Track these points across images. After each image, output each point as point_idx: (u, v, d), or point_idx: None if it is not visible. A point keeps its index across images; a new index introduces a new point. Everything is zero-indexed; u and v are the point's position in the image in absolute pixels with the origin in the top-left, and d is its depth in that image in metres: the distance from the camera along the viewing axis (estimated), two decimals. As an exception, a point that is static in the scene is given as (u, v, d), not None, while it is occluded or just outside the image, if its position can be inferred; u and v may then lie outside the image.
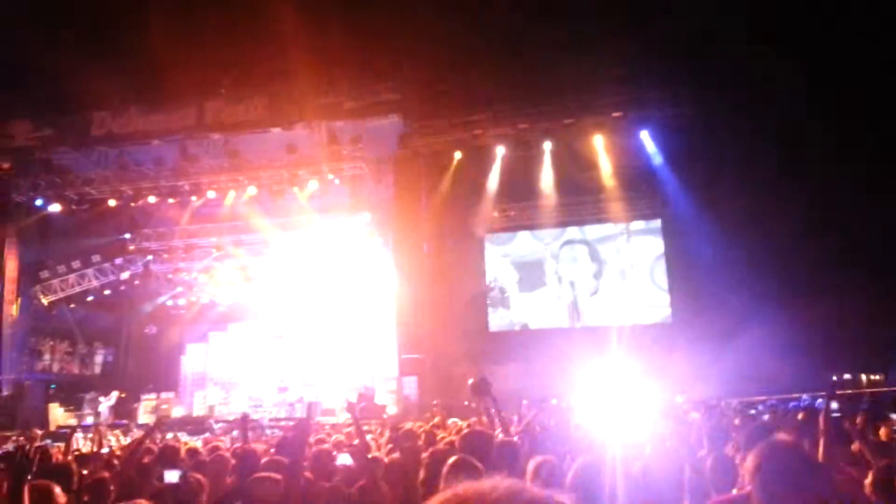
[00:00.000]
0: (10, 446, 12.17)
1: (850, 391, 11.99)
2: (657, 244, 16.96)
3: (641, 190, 15.69)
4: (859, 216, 13.08)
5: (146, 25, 15.08)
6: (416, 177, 16.28)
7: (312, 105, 15.89)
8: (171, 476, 4.29)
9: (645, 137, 15.34)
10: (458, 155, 16.20)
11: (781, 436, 3.19)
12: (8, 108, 16.49)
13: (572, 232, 17.63)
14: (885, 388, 12.18)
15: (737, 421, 7.36)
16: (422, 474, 3.83)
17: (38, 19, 14.47)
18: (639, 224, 17.16)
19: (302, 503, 3.99)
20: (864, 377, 13.55)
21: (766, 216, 13.72)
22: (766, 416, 9.52)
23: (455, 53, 14.50)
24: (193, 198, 18.12)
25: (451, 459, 3.53)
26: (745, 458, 3.16)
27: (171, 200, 18.22)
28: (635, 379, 13.79)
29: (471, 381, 7.77)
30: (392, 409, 15.57)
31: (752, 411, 10.16)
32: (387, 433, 8.07)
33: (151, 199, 17.93)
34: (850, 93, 12.64)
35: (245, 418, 5.95)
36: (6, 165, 17.33)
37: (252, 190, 17.48)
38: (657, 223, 16.89)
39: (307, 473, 4.79)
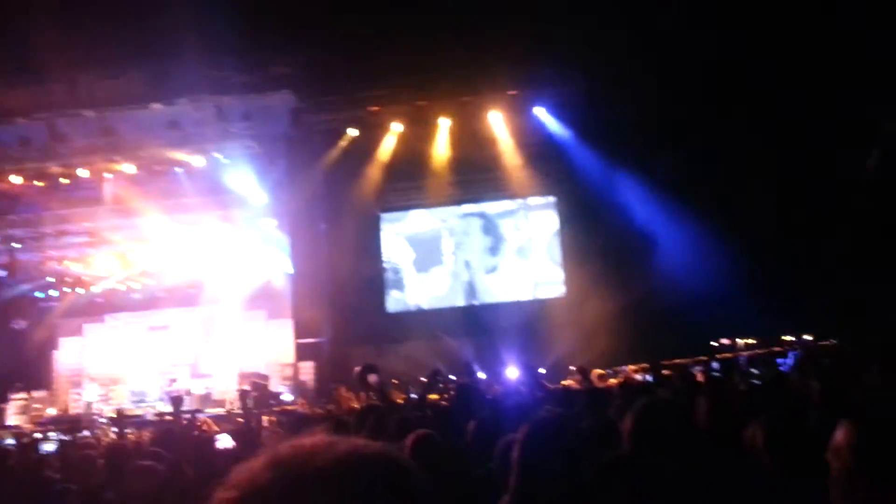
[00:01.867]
0: None
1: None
2: (554, 220, 17.33)
3: (538, 167, 15.92)
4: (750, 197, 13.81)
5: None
6: (310, 155, 15.79)
7: (197, 80, 15.02)
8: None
9: (541, 114, 15.56)
10: (352, 132, 15.85)
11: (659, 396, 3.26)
12: None
13: (468, 207, 17.73)
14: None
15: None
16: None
17: None
18: (536, 200, 17.46)
19: (181, 494, 3.71)
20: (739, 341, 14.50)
21: (669, 190, 14.23)
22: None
23: (349, 28, 14.10)
24: (64, 180, 16.78)
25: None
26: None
27: (38, 183, 16.79)
28: (524, 353, 14.20)
29: (357, 369, 7.65)
30: (288, 397, 15.16)
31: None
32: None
33: (15, 180, 16.44)
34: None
35: (120, 414, 5.50)
36: None
37: (130, 169, 16.37)
38: (552, 199, 17.25)
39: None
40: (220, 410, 14.88)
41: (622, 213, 15.10)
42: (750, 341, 13.88)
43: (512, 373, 12.62)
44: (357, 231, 16.80)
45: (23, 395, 16.77)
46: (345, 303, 16.03)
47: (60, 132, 15.87)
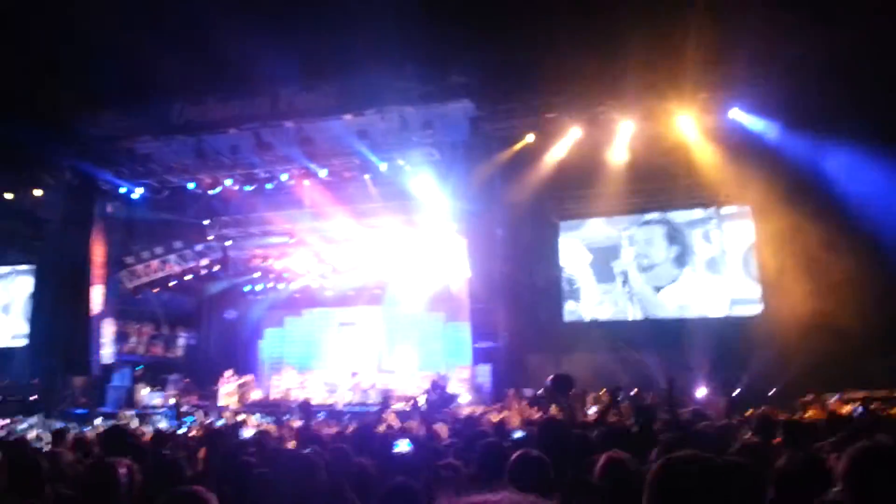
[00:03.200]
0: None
1: None
2: (750, 230, 15.90)
3: (733, 172, 14.59)
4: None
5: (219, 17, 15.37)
6: (488, 161, 15.91)
7: (383, 91, 15.76)
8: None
9: (737, 115, 14.32)
10: (530, 138, 15.72)
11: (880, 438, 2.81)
12: (92, 100, 17.07)
13: (651, 216, 16.83)
14: None
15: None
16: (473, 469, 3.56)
17: (113, 10, 14.85)
18: (730, 209, 16.16)
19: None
20: None
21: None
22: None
23: (525, 35, 14.01)
24: (268, 185, 18.36)
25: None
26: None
27: (247, 188, 18.51)
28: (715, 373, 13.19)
29: (551, 377, 7.44)
30: (465, 398, 15.40)
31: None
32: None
33: (229, 184, 18.23)
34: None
35: (306, 404, 5.80)
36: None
37: (324, 174, 17.54)
38: (748, 208, 15.82)
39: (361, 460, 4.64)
40: (401, 406, 15.50)
41: (829, 216, 13.35)
42: None
43: (701, 392, 11.81)
44: (534, 238, 16.66)
45: (234, 378, 18.58)
46: (521, 309, 15.95)
47: (265, 141, 17.34)
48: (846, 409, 9.28)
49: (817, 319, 12.50)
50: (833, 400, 10.85)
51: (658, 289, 16.59)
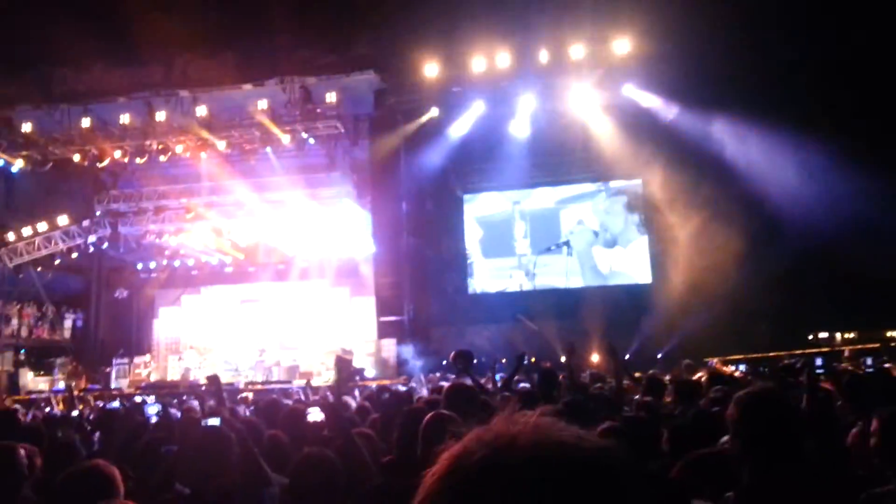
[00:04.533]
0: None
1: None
2: (641, 203, 16.71)
3: (626, 148, 15.26)
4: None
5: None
6: (393, 135, 15.88)
7: (285, 61, 15.36)
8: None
9: (630, 91, 14.95)
10: (435, 111, 15.80)
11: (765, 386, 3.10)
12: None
13: (545, 191, 17.35)
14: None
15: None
16: (395, 433, 3.63)
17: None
18: (620, 182, 16.93)
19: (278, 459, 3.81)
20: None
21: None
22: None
23: (430, 5, 14.01)
24: (162, 157, 17.54)
25: (429, 415, 3.35)
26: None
27: (138, 160, 17.61)
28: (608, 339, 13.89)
29: (452, 354, 7.70)
30: (370, 373, 15.49)
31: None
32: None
33: (118, 156, 17.28)
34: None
35: (215, 379, 5.67)
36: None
37: (222, 146, 16.95)
38: (639, 181, 16.64)
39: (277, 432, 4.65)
40: (303, 382, 15.37)
41: (717, 189, 14.18)
42: (849, 336, 13.05)
43: (595, 358, 12.44)
44: (439, 210, 16.83)
45: (125, 360, 17.82)
46: (426, 282, 16.14)
47: (158, 111, 16.52)
48: (727, 369, 10.03)
49: (703, 288, 13.40)
50: (714, 361, 11.68)
51: (555, 260, 17.16)
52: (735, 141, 13.73)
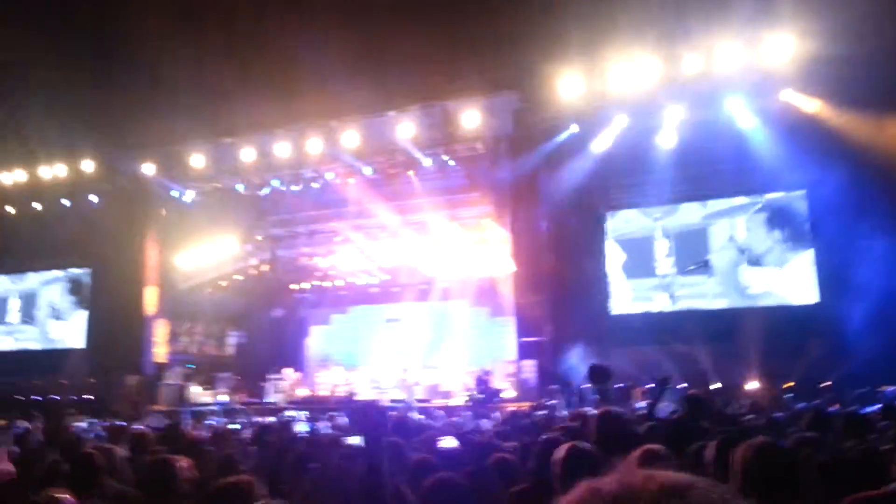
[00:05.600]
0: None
1: None
2: (804, 217, 15.36)
3: (783, 159, 14.09)
4: None
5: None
6: (532, 153, 15.76)
7: (428, 85, 15.77)
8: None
9: (789, 97, 13.81)
10: (575, 127, 15.51)
11: None
12: (144, 107, 17.53)
13: (692, 206, 16.38)
14: None
15: None
16: (531, 463, 3.48)
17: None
18: (781, 195, 15.65)
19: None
20: None
21: None
22: None
23: (570, 19, 13.84)
24: (314, 184, 18.55)
25: (565, 447, 3.17)
26: None
27: (293, 188, 18.73)
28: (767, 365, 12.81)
29: (590, 365, 7.40)
30: (510, 393, 15.34)
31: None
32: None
33: (276, 184, 18.46)
34: None
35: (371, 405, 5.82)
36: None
37: (369, 172, 17.64)
38: (801, 193, 15.28)
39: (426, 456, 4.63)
40: (445, 401, 15.52)
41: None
42: None
43: (751, 386, 11.54)
44: (580, 229, 16.43)
45: (279, 376, 18.88)
46: (567, 302, 15.77)
47: (310, 141, 17.49)
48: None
49: (879, 308, 12.04)
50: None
51: (709, 279, 16.15)
52: None
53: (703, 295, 15.91)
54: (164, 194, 19.12)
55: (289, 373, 19.13)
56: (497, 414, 11.35)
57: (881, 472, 3.17)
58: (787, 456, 2.35)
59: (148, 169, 18.52)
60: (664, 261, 16.41)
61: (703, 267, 15.66)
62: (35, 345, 21.40)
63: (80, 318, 20.95)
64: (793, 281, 15.29)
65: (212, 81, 16.69)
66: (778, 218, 15.60)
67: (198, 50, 16.03)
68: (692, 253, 15.99)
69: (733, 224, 16.01)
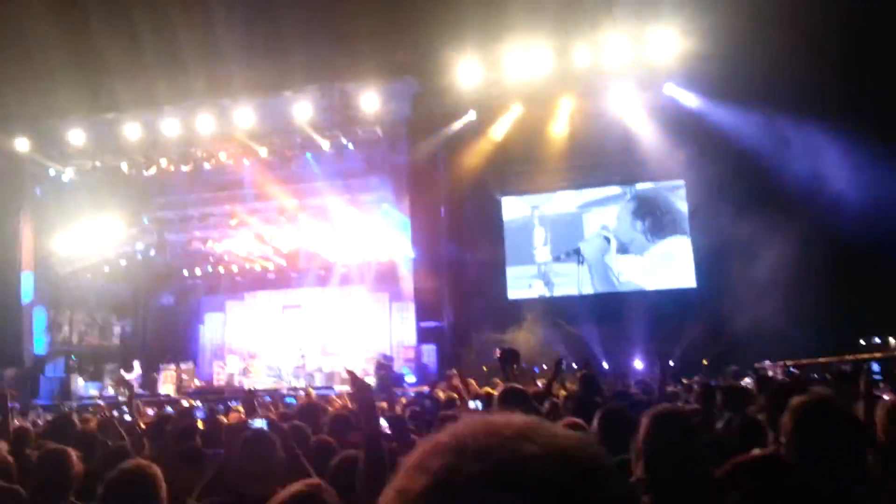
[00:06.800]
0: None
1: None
2: (684, 205, 16.34)
3: (669, 148, 14.93)
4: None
5: None
6: (431, 138, 15.87)
7: (325, 67, 15.50)
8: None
9: (672, 91, 14.65)
10: (472, 114, 15.75)
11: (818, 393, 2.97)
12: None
13: (590, 192, 17.06)
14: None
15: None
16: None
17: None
18: (665, 183, 16.54)
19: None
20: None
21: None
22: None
23: (464, 16, 14.02)
24: (206, 165, 17.87)
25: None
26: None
27: (183, 168, 17.97)
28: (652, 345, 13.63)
29: (498, 351, 7.60)
30: (411, 378, 15.48)
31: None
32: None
33: (164, 164, 17.65)
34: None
35: (250, 392, 5.76)
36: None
37: (264, 153, 17.18)
38: (681, 182, 16.22)
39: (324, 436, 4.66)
40: (346, 388, 15.44)
41: (767, 191, 13.74)
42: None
43: (638, 364, 12.24)
44: (477, 216, 16.74)
45: (171, 366, 18.13)
46: (466, 288, 16.07)
47: (201, 119, 16.81)
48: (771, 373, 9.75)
49: (750, 291, 13.03)
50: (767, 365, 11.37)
51: (604, 263, 16.88)
52: (784, 141, 13.34)
53: (576, 282, 16.57)
54: (40, 172, 17.82)
55: (181, 363, 18.41)
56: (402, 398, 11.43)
57: (759, 439, 3.49)
58: (684, 422, 2.55)
59: (21, 144, 17.22)
60: (542, 249, 17.01)
61: (575, 254, 16.33)
62: None
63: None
64: (654, 268, 16.27)
65: (93, 51, 15.62)
66: (644, 208, 16.53)
67: (79, 17, 14.97)
68: (566, 241, 16.64)
69: (605, 213, 16.79)
